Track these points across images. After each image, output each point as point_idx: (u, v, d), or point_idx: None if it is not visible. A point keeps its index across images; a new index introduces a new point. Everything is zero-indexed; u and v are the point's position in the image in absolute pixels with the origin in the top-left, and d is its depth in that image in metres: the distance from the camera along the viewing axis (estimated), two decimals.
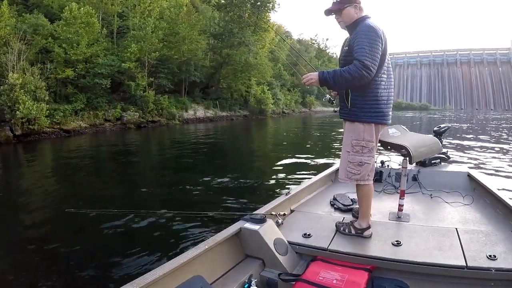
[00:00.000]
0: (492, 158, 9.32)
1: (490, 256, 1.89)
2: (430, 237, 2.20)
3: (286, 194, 2.93)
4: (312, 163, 8.93)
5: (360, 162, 2.22)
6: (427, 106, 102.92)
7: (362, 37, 2.02)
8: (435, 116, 47.36)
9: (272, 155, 11.23)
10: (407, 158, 2.59)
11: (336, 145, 12.58)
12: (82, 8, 18.86)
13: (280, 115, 40.91)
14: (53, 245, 4.00)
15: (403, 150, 2.54)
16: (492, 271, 1.79)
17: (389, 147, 2.71)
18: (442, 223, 2.53)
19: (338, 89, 2.23)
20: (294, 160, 9.38)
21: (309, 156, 10.11)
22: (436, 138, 3.19)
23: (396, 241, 2.14)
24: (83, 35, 18.89)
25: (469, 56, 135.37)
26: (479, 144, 12.64)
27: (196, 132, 19.50)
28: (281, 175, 7.34)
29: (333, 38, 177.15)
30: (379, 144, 2.58)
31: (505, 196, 2.73)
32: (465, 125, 23.84)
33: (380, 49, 2.03)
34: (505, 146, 12.13)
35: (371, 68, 1.98)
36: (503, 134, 17.60)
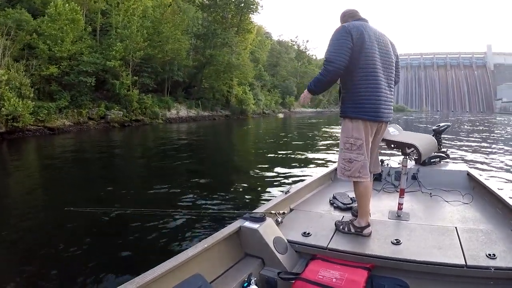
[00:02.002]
0: (491, 157, 9.54)
1: (489, 255, 1.91)
2: (429, 236, 2.23)
3: (286, 193, 2.95)
4: (300, 159, 9.63)
5: (349, 159, 2.29)
6: (404, 108, 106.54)
7: (331, 38, 2.23)
8: (411, 117, 49.31)
9: (262, 153, 11.77)
10: (408, 157, 2.66)
11: (313, 142, 13.34)
12: (67, 5, 18.82)
13: (260, 115, 41.67)
14: (50, 243, 4.03)
15: (411, 149, 2.61)
16: (491, 269, 1.81)
17: (393, 146, 2.77)
18: (441, 221, 2.55)
19: (321, 91, 2.36)
20: (282, 157, 10.01)
21: (296, 153, 10.83)
22: (431, 136, 3.26)
23: (396, 239, 2.17)
24: (68, 32, 18.87)
25: (445, 60, 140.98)
26: (478, 143, 13.09)
27: (181, 132, 19.90)
28: (273, 173, 7.62)
29: (313, 40, 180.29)
30: (383, 144, 2.70)
31: (504, 194, 2.76)
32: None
33: (349, 43, 2.14)
34: (504, 145, 12.69)
35: (333, 61, 2.13)
36: (499, 134, 18.16)
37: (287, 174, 7.42)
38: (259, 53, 48.48)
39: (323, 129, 20.07)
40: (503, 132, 21.73)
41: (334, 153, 10.37)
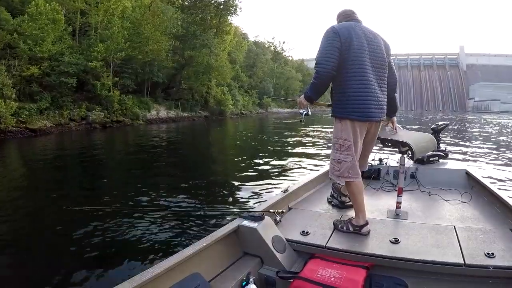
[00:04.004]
0: (489, 156, 9.71)
1: (488, 253, 1.92)
2: (428, 235, 2.24)
3: (284, 192, 2.97)
4: (280, 159, 10.09)
5: (338, 160, 2.34)
6: None
7: (321, 40, 2.28)
8: None
9: (252, 152, 12.12)
10: (405, 155, 2.72)
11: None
12: (48, 4, 18.69)
13: (238, 115, 42.33)
14: (45, 242, 4.09)
15: (405, 147, 2.66)
16: (490, 268, 1.82)
17: (389, 144, 2.79)
18: (440, 220, 2.57)
19: (319, 95, 2.38)
20: (272, 157, 10.52)
21: (280, 153, 11.44)
22: (431, 135, 3.25)
23: (394, 238, 2.19)
24: (49, 32, 18.75)
25: (419, 61, 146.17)
26: (477, 142, 13.61)
27: (164, 132, 20.31)
28: (267, 172, 7.86)
29: (289, 42, 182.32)
30: (378, 141, 2.76)
31: (503, 193, 2.79)
32: (414, 126, 26.37)
33: (335, 44, 2.19)
34: (503, 145, 13.07)
35: (322, 63, 2.20)
36: (498, 134, 18.76)
37: (279, 172, 7.83)
38: (236, 54, 48.99)
39: (302, 130, 20.74)
40: (476, 129, 23.31)
41: (311, 151, 11.16)
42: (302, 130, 20.07)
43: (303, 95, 2.41)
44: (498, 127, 26.50)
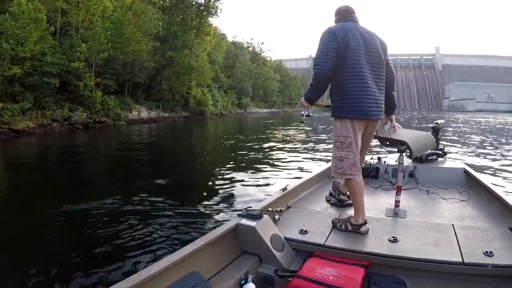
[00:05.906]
0: (488, 154, 9.78)
1: (486, 252, 1.93)
2: (426, 233, 2.25)
3: (283, 190, 2.98)
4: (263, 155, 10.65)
5: (340, 157, 2.39)
6: None
7: (319, 41, 2.34)
8: None
9: (245, 152, 12.52)
10: (404, 154, 2.71)
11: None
12: (30, 3, 18.65)
13: (218, 116, 42.90)
14: (40, 244, 4.05)
15: (403, 146, 2.63)
16: (488, 267, 1.83)
17: (387, 143, 2.81)
18: (438, 219, 2.58)
19: (318, 95, 2.45)
20: (262, 156, 11.07)
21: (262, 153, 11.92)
22: (430, 134, 3.26)
23: (393, 237, 2.19)
24: (31, 31, 18.71)
25: (395, 61, 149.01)
26: (475, 140, 13.84)
27: (148, 133, 20.62)
28: (263, 171, 8.01)
29: (267, 42, 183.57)
30: (376, 140, 2.81)
31: (501, 192, 2.80)
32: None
33: (333, 45, 2.25)
34: (501, 144, 13.17)
35: (320, 64, 2.27)
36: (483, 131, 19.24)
37: (277, 170, 8.07)
38: (215, 54, 49.42)
39: (292, 128, 21.33)
40: (457, 128, 24.88)
41: (305, 148, 11.72)
42: (292, 128, 20.58)
43: (303, 97, 2.50)
44: (480, 125, 28.22)
